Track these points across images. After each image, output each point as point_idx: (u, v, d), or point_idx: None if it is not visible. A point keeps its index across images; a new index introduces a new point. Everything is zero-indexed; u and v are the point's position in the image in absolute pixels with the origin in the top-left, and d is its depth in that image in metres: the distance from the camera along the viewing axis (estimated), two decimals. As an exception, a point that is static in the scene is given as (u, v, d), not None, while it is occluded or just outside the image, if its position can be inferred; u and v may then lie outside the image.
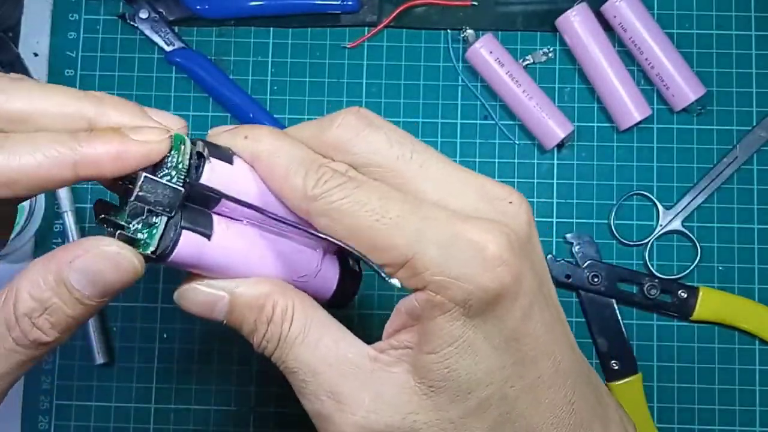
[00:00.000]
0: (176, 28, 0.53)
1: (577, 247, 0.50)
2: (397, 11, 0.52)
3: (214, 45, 0.53)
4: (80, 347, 0.51)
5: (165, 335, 0.51)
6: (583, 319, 0.50)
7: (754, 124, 0.51)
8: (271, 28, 0.53)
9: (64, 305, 0.24)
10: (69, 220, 0.51)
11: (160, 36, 0.52)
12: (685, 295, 0.49)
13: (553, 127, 0.50)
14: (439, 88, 0.52)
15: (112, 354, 0.51)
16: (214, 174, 0.25)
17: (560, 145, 0.51)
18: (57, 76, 0.53)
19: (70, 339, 0.51)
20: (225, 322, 0.27)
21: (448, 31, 0.53)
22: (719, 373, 0.50)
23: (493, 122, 0.52)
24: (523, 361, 0.25)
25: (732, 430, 0.49)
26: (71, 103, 0.26)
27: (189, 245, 0.25)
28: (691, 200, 0.51)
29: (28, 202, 0.49)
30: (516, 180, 0.52)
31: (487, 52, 0.50)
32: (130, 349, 0.51)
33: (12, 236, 0.49)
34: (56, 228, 0.52)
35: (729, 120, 0.52)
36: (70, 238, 0.51)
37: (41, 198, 0.51)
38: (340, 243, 0.25)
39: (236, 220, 0.26)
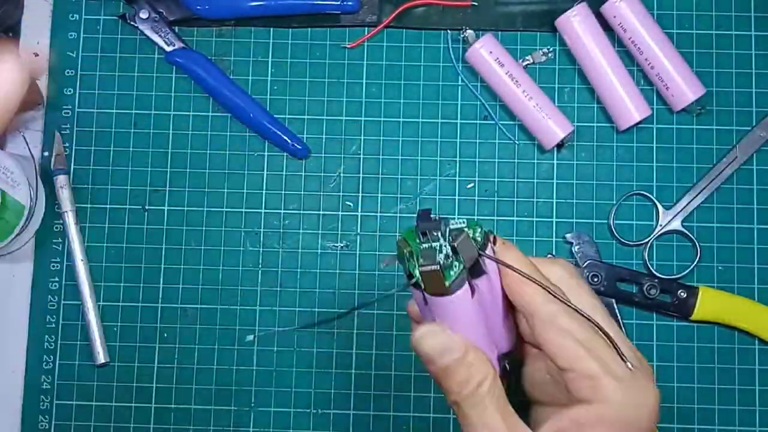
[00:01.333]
0: (176, 28, 0.53)
1: (577, 247, 0.50)
2: (397, 11, 0.52)
3: (214, 45, 0.53)
4: (80, 347, 0.51)
5: (165, 335, 0.51)
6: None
7: (754, 124, 0.51)
8: (271, 28, 0.53)
9: None
10: (69, 220, 0.51)
11: (160, 36, 0.52)
12: (685, 295, 0.49)
13: (553, 127, 0.50)
14: (439, 88, 0.52)
15: (112, 354, 0.51)
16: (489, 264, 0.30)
17: (560, 145, 0.51)
18: (57, 76, 0.53)
19: (71, 339, 0.51)
20: (441, 367, 0.30)
21: (448, 31, 0.53)
22: (719, 372, 0.50)
23: (493, 122, 0.52)
24: None
25: (732, 430, 0.49)
26: None
27: (462, 296, 0.29)
28: (691, 200, 0.51)
29: (28, 202, 0.49)
30: (516, 180, 0.52)
31: (487, 52, 0.50)
32: (131, 349, 0.51)
33: (11, 237, 0.49)
34: (56, 228, 0.52)
35: (729, 120, 0.52)
36: (71, 238, 0.51)
37: (41, 198, 0.51)
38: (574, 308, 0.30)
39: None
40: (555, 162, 0.52)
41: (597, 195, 0.51)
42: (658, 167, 0.51)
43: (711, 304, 0.49)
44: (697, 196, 0.51)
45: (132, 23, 0.52)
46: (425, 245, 0.29)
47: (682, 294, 0.49)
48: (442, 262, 0.28)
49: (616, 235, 0.51)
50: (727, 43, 0.52)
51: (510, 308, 0.32)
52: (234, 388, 0.51)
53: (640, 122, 0.50)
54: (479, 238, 0.30)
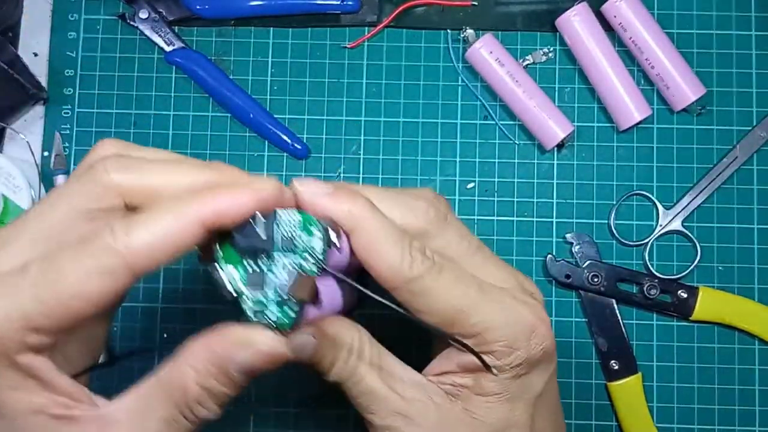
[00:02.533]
0: (176, 28, 0.53)
1: (577, 247, 0.50)
2: (397, 11, 0.52)
3: (214, 45, 0.53)
4: (80, 347, 0.51)
5: (165, 335, 0.51)
6: (583, 319, 0.50)
7: (754, 124, 0.51)
8: (271, 28, 0.53)
9: (226, 389, 0.28)
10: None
11: (160, 36, 0.52)
12: (685, 295, 0.49)
13: (553, 127, 0.50)
14: (439, 88, 0.52)
15: (111, 354, 0.51)
16: (332, 257, 0.28)
17: (560, 145, 0.51)
18: (57, 76, 0.53)
19: (70, 339, 0.51)
20: (309, 361, 0.30)
21: (448, 31, 0.53)
22: (719, 373, 0.50)
23: (493, 122, 0.52)
24: (541, 413, 0.32)
25: (732, 430, 0.49)
26: (198, 174, 0.28)
27: (311, 315, 0.28)
28: (691, 200, 0.51)
29: (29, 206, 0.49)
30: (516, 180, 0.52)
31: (487, 52, 0.50)
32: (130, 350, 0.51)
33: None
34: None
35: (729, 120, 0.52)
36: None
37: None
38: (417, 320, 0.29)
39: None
40: (555, 162, 0.52)
41: (597, 195, 0.51)
42: (658, 167, 0.51)
43: (711, 304, 0.49)
44: (697, 196, 0.51)
45: (132, 23, 0.52)
46: (250, 271, 0.27)
47: (682, 294, 0.49)
48: (276, 319, 0.27)
49: (616, 235, 0.51)
50: (727, 43, 0.52)
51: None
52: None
53: (640, 122, 0.50)
54: (319, 246, 0.27)
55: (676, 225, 0.50)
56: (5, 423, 0.27)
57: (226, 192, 0.27)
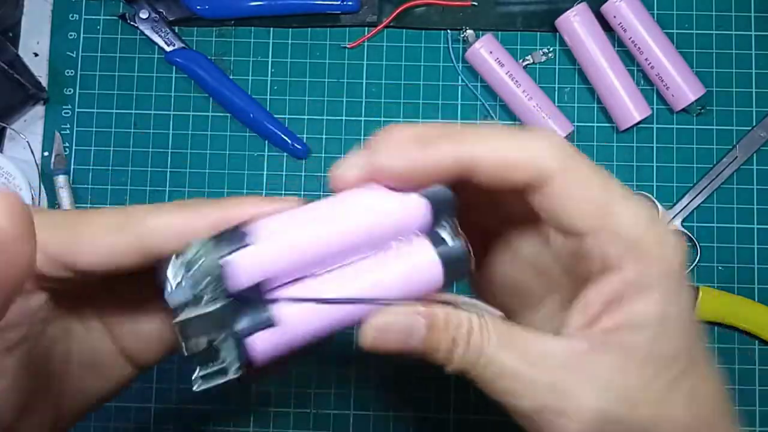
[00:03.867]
0: (176, 28, 0.53)
1: None
2: (397, 11, 0.52)
3: (214, 45, 0.53)
4: (80, 347, 0.51)
5: None
6: None
7: (754, 124, 0.51)
8: (271, 28, 0.53)
9: None
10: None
11: (160, 36, 0.52)
12: None
13: (553, 127, 0.50)
14: (439, 88, 0.52)
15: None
16: (245, 267, 0.23)
17: (560, 145, 0.51)
18: (57, 76, 0.53)
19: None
20: (417, 349, 0.25)
21: (448, 31, 0.53)
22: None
23: (493, 122, 0.52)
24: (694, 331, 0.27)
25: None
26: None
27: (264, 343, 0.23)
28: (691, 200, 0.51)
29: (30, 202, 0.49)
30: (516, 180, 0.52)
31: (487, 53, 0.50)
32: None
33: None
34: (56, 228, 0.52)
35: (729, 120, 0.52)
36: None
37: (43, 201, 0.51)
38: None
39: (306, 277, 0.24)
40: (555, 162, 0.52)
41: (597, 195, 0.51)
42: (658, 167, 0.51)
43: (711, 304, 0.49)
44: (697, 196, 0.51)
45: (132, 23, 0.52)
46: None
47: None
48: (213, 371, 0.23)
49: (616, 235, 0.51)
50: (727, 43, 0.52)
51: None
52: (234, 389, 0.51)
53: (640, 122, 0.50)
54: (212, 280, 0.23)
55: (676, 225, 0.50)
56: None
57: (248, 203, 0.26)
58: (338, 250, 0.24)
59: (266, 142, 0.52)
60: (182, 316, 0.22)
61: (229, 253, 0.23)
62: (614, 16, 0.50)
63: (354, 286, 0.24)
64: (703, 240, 0.50)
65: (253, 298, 0.23)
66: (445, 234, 0.25)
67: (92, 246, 0.25)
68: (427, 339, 0.25)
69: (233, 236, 0.23)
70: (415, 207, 0.25)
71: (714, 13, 0.52)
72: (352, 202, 0.25)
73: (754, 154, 0.51)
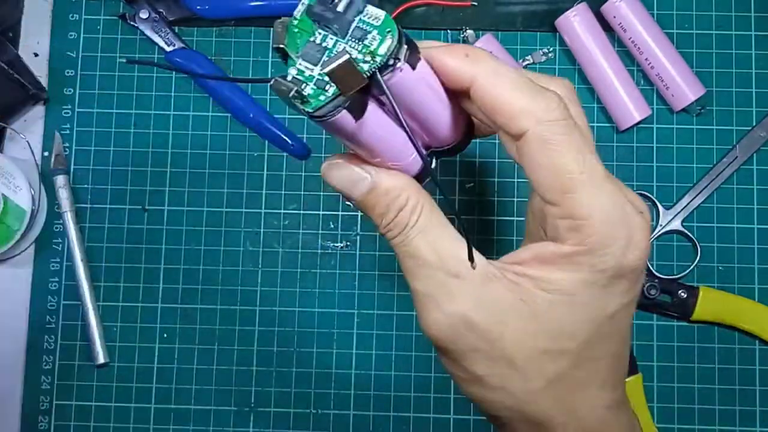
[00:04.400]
0: (176, 28, 0.53)
1: None
2: (397, 11, 0.52)
3: (214, 45, 0.53)
4: (80, 347, 0.51)
5: (165, 335, 0.51)
6: None
7: (754, 124, 0.51)
8: (271, 29, 0.53)
9: None
10: (69, 220, 0.51)
11: (160, 36, 0.52)
12: (685, 295, 0.49)
13: (553, 127, 0.50)
14: (439, 88, 0.52)
15: (111, 354, 0.51)
16: (395, 77, 0.26)
17: (560, 145, 0.51)
18: (57, 76, 0.53)
19: (70, 339, 0.51)
20: (357, 201, 0.30)
21: (448, 31, 0.53)
22: (719, 373, 0.50)
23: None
24: (603, 340, 0.29)
25: (732, 430, 0.49)
26: None
27: (341, 121, 0.26)
28: (691, 200, 0.51)
29: (29, 206, 0.49)
30: (516, 180, 0.52)
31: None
32: (130, 349, 0.51)
33: (12, 242, 0.49)
34: (56, 228, 0.52)
35: (729, 120, 0.52)
36: (70, 238, 0.51)
37: (43, 202, 0.51)
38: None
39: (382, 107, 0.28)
40: (555, 162, 0.52)
41: (597, 195, 0.51)
42: (658, 167, 0.51)
43: (711, 304, 0.49)
44: (697, 196, 0.51)
45: (132, 23, 0.52)
46: (312, 42, 0.26)
47: (682, 294, 0.49)
48: (301, 89, 0.26)
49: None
50: (727, 43, 0.52)
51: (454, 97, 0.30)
52: (234, 389, 0.51)
53: (640, 122, 0.50)
54: (380, 57, 0.25)
55: (676, 225, 0.50)
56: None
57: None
58: None
59: (266, 142, 0.52)
60: (352, 61, 0.25)
61: (406, 63, 0.26)
62: (614, 16, 0.50)
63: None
64: (703, 240, 0.50)
65: (367, 87, 0.26)
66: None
67: None
68: (367, 197, 0.29)
69: (414, 57, 0.27)
70: None
71: (714, 13, 0.52)
72: None
73: (754, 154, 0.51)
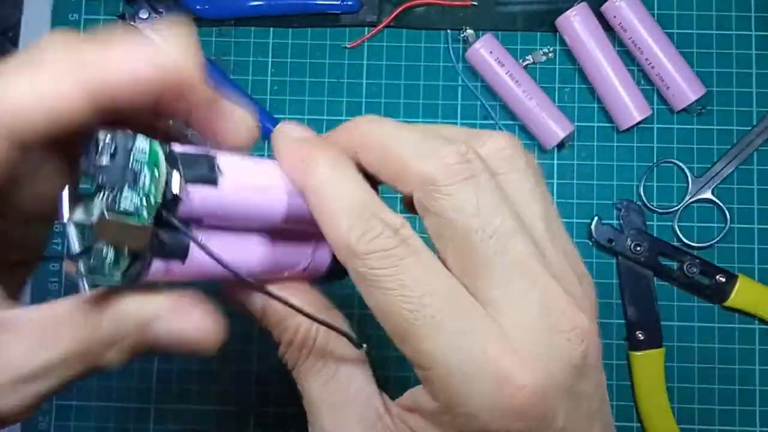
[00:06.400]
0: (176, 28, 0.53)
1: (624, 213, 0.50)
2: (397, 11, 0.52)
3: (214, 45, 0.53)
4: (80, 347, 0.51)
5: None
6: (616, 281, 0.50)
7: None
8: (271, 28, 0.53)
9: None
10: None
11: (160, 36, 0.52)
12: (723, 280, 0.49)
13: (553, 127, 0.50)
14: (439, 88, 0.52)
15: (112, 354, 0.51)
16: (186, 207, 0.22)
17: (560, 145, 0.51)
18: (57, 76, 0.53)
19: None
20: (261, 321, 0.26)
21: (448, 31, 0.53)
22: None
23: (493, 122, 0.52)
24: None
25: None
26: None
27: (158, 272, 0.22)
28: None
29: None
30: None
31: (487, 52, 0.50)
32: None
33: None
34: (56, 228, 0.52)
35: (729, 120, 0.52)
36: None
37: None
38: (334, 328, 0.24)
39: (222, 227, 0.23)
40: (555, 162, 0.52)
41: (597, 195, 0.51)
42: (658, 167, 0.51)
43: (747, 293, 0.49)
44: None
45: (132, 23, 0.52)
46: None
47: (720, 278, 0.49)
48: (106, 272, 0.21)
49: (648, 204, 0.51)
50: (727, 43, 0.52)
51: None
52: (234, 389, 0.51)
53: (640, 122, 0.50)
54: (154, 198, 0.21)
55: (706, 194, 0.51)
56: None
57: (111, 49, 0.21)
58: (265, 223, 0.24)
59: (266, 142, 0.52)
60: (112, 216, 0.21)
61: (195, 182, 0.22)
62: (614, 16, 0.50)
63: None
64: (701, 240, 0.50)
65: (173, 226, 0.22)
66: None
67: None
68: (263, 320, 0.25)
69: (205, 169, 0.22)
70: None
71: (714, 13, 0.52)
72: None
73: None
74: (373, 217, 0.22)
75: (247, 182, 0.23)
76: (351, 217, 0.22)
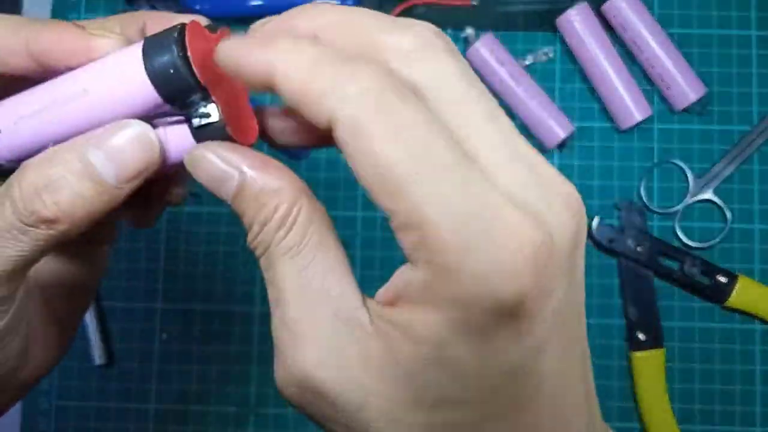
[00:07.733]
0: (176, 28, 0.53)
1: (625, 213, 0.50)
2: (397, 11, 0.52)
3: (213, 45, 0.53)
4: (79, 348, 0.51)
5: (164, 336, 0.51)
6: (617, 281, 0.50)
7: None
8: (271, 28, 0.53)
9: (75, 180, 0.23)
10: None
11: (159, 36, 0.52)
12: (724, 280, 0.49)
13: (554, 127, 0.50)
14: (439, 88, 0.52)
15: (111, 355, 0.51)
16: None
17: (560, 145, 0.51)
18: (56, 76, 0.53)
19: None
20: (227, 201, 0.24)
21: (448, 31, 0.52)
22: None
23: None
24: (517, 408, 0.21)
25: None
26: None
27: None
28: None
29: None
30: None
31: (487, 52, 0.50)
32: (130, 350, 0.51)
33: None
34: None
35: (729, 120, 0.52)
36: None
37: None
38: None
39: None
40: (555, 162, 0.52)
41: (598, 195, 0.51)
42: (659, 167, 0.51)
43: (747, 294, 0.49)
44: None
45: (132, 23, 0.52)
46: None
47: (720, 279, 0.49)
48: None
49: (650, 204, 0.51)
50: (727, 43, 0.52)
51: None
52: (234, 389, 0.50)
53: (640, 122, 0.50)
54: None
55: (707, 194, 0.51)
56: None
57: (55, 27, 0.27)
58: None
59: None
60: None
61: None
62: (615, 16, 0.50)
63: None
64: (702, 240, 0.50)
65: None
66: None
67: None
68: (234, 202, 0.23)
69: None
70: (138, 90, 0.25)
71: (714, 13, 0.52)
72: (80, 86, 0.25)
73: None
74: (352, 60, 0.21)
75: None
76: (330, 63, 0.21)
